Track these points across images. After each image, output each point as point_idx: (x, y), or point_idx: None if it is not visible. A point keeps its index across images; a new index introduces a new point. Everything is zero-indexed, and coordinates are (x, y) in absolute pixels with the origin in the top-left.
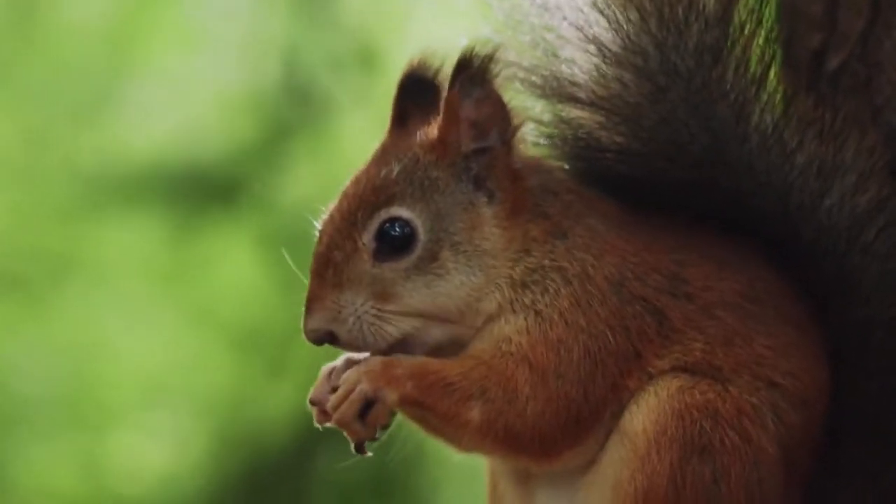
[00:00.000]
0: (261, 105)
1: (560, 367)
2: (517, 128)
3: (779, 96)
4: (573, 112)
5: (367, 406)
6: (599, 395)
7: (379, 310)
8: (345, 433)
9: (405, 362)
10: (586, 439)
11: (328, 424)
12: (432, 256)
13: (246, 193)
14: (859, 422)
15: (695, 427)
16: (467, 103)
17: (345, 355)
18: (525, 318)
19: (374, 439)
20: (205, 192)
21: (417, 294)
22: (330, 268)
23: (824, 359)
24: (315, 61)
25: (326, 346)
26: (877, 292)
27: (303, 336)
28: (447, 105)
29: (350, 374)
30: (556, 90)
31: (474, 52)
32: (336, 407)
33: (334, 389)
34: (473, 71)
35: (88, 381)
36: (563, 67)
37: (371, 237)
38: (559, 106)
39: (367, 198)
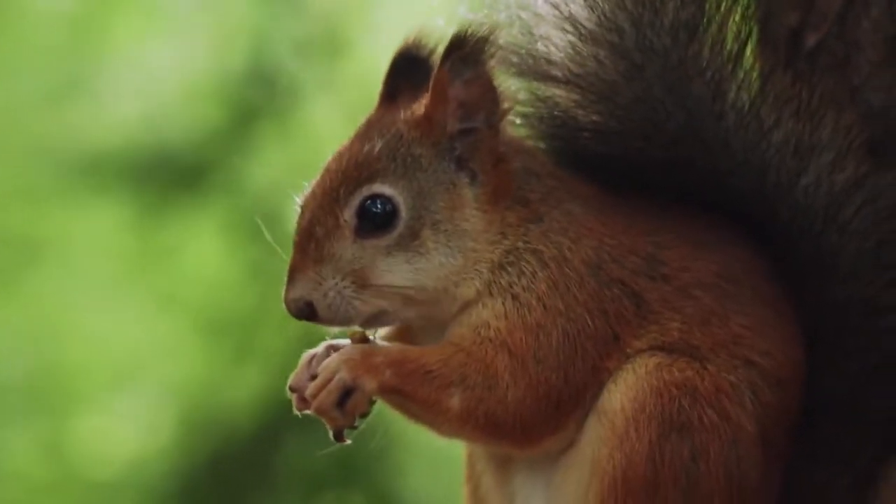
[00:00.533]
0: (228, 90)
1: (539, 351)
2: (505, 112)
3: (755, 74)
4: (549, 90)
5: (347, 394)
6: (579, 379)
7: (359, 285)
8: (323, 421)
9: (384, 350)
10: (568, 424)
11: (307, 412)
12: (413, 234)
13: (213, 178)
14: (836, 402)
15: (673, 404)
16: (457, 83)
17: (325, 342)
18: (503, 303)
19: (352, 427)
20: (172, 176)
21: (398, 271)
22: (312, 242)
23: (801, 338)
24: (282, 46)
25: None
26: (854, 271)
27: (282, 307)
28: (436, 83)
29: (329, 362)
30: (532, 68)
31: (469, 33)
32: (315, 395)
33: (314, 377)
34: (466, 51)
35: (54, 364)
36: (539, 45)
37: (353, 213)
38: (535, 84)
39: (349, 173)
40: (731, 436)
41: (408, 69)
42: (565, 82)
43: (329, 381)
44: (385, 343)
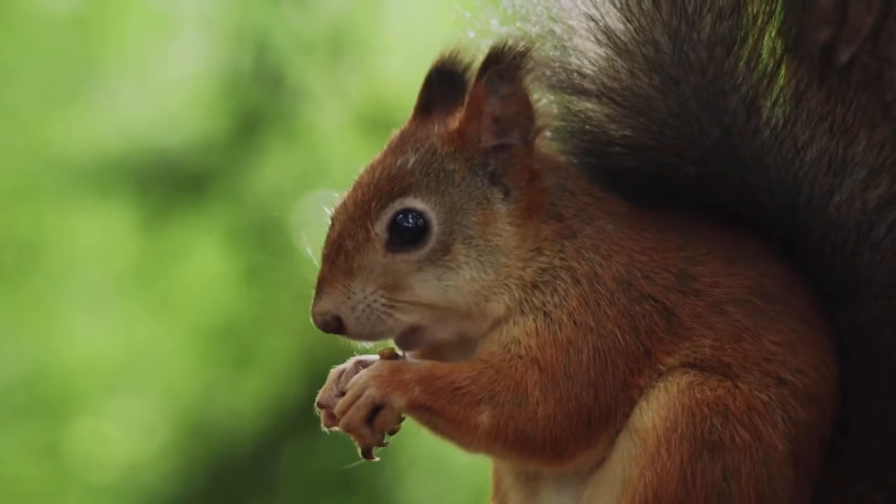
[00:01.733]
0: (233, 95)
1: (570, 368)
2: (541, 129)
3: (790, 90)
4: (582, 104)
5: (376, 411)
6: (610, 396)
7: (388, 300)
8: (352, 438)
9: (414, 367)
10: (599, 440)
11: (335, 428)
12: (444, 249)
13: (216, 184)
14: (867, 419)
15: (705, 424)
16: (493, 99)
17: (353, 358)
18: (534, 320)
19: (381, 444)
20: (175, 181)
21: (428, 286)
22: (341, 255)
23: (833, 355)
24: (288, 49)
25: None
26: (886, 290)
27: (310, 320)
28: (471, 98)
29: (358, 379)
30: (565, 81)
31: (507, 47)
32: (343, 412)
33: (342, 393)
34: (503, 67)
35: (54, 368)
36: (573, 58)
37: (384, 227)
38: (567, 97)
39: (381, 187)
40: (762, 455)
41: (443, 83)
42: (598, 96)
43: (358, 397)
44: (414, 360)
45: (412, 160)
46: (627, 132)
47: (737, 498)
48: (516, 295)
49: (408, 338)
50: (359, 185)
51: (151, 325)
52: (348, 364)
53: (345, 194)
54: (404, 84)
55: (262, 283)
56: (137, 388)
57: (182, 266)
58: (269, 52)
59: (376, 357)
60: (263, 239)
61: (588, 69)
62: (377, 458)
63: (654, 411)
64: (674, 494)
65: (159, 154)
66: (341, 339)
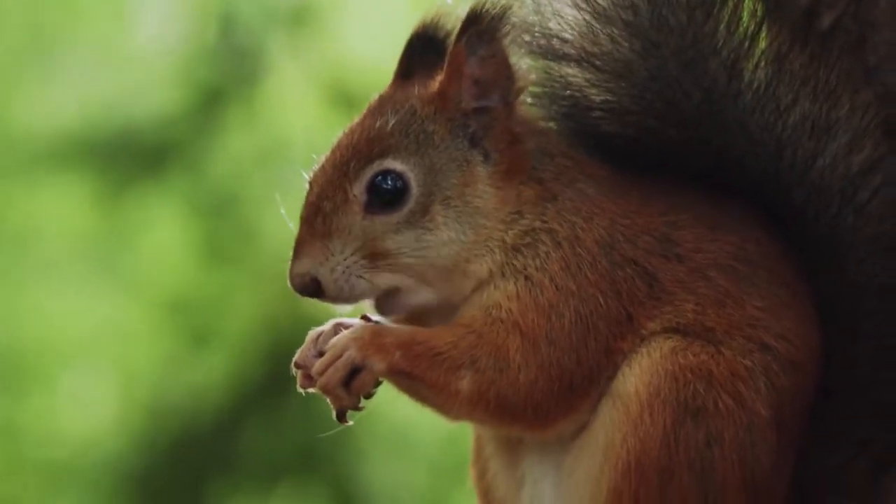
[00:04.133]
0: (193, 67)
1: (551, 333)
2: (520, 90)
3: (772, 53)
4: (562, 69)
5: (353, 373)
6: (593, 361)
7: (368, 261)
8: (328, 400)
9: (394, 330)
10: (581, 406)
11: (311, 390)
12: (423, 210)
13: (176, 159)
14: (851, 387)
15: (688, 389)
16: (472, 60)
17: (333, 320)
18: (515, 283)
19: (357, 408)
20: (135, 155)
21: (406, 248)
22: (319, 216)
23: (816, 321)
24: (249, 23)
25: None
26: (870, 254)
27: (288, 283)
28: (451, 59)
29: (338, 340)
30: (545, 46)
31: (485, 9)
32: (321, 372)
33: (320, 354)
34: (482, 27)
35: (9, 344)
36: (552, 23)
37: (363, 189)
38: (548, 63)
39: (360, 148)
40: (745, 421)
41: (423, 49)
42: (578, 61)
43: (337, 358)
44: (395, 325)
45: (392, 122)
46: (608, 97)
47: (720, 464)
48: (498, 258)
49: (386, 302)
50: (337, 147)
51: (111, 301)
52: (327, 326)
53: (323, 157)
54: (367, 59)
55: (223, 258)
56: (96, 364)
57: (142, 241)
58: (231, 25)
59: (356, 320)
60: (224, 213)
61: (568, 34)
62: (351, 422)
63: (637, 377)
64: (657, 460)
65: (119, 128)
66: (302, 314)
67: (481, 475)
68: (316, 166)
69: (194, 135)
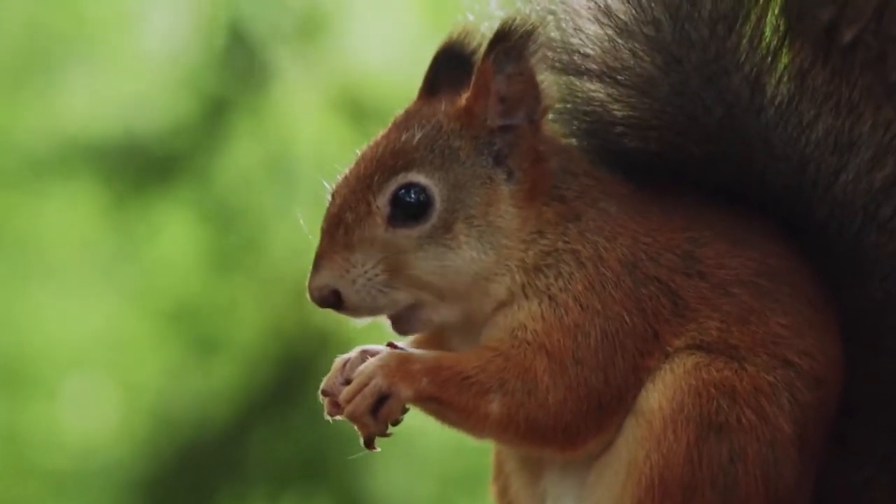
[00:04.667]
0: (202, 78)
1: (578, 352)
2: (546, 109)
3: (794, 68)
4: (584, 85)
5: (381, 400)
6: (621, 379)
7: (388, 275)
8: (355, 427)
9: (421, 357)
10: (610, 425)
11: (338, 417)
12: (446, 227)
13: (184, 168)
14: (874, 403)
15: (712, 404)
16: (500, 77)
17: (359, 347)
18: (539, 304)
19: (384, 435)
20: (142, 166)
21: (427, 264)
22: (341, 228)
23: (839, 337)
24: (257, 33)
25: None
26: (894, 271)
27: (307, 294)
28: (479, 76)
29: (365, 368)
30: (567, 63)
31: (514, 26)
32: (349, 400)
33: (347, 381)
34: (510, 45)
35: (17, 352)
36: (574, 39)
37: (386, 201)
38: (570, 79)
39: (385, 161)
40: (768, 437)
41: (449, 65)
42: (600, 76)
43: (364, 386)
44: (422, 351)
45: (417, 136)
46: (630, 112)
47: (743, 480)
48: (517, 278)
49: (403, 317)
50: (361, 159)
51: (117, 309)
52: (353, 353)
53: (346, 169)
54: (374, 69)
55: (230, 266)
56: (101, 372)
57: (149, 249)
58: (239, 34)
59: (383, 347)
60: (231, 222)
61: (590, 49)
62: (379, 449)
63: (660, 392)
64: (680, 476)
65: (126, 137)
66: (310, 323)
67: (503, 492)
68: (339, 178)
69: (202, 144)
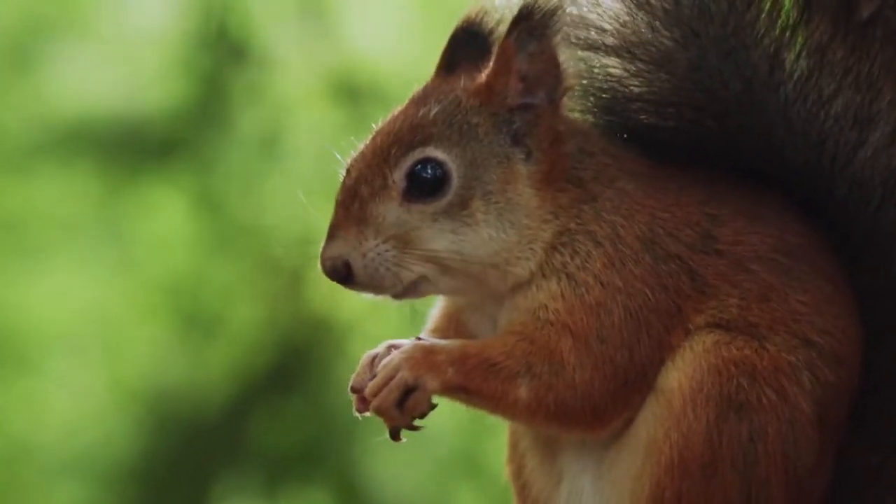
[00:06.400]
0: (197, 60)
1: (602, 330)
2: (567, 89)
3: (814, 43)
4: (601, 60)
5: (407, 393)
6: (645, 356)
7: (400, 251)
8: (382, 419)
9: (446, 347)
10: (635, 403)
11: (367, 413)
12: (462, 204)
13: (181, 150)
14: (892, 382)
15: (732, 383)
16: (521, 55)
17: (386, 342)
18: (557, 283)
19: (412, 428)
20: (138, 148)
21: (442, 240)
22: (356, 201)
23: (857, 316)
24: (255, 14)
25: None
26: None
27: (318, 266)
28: (500, 53)
29: (390, 361)
30: (585, 38)
31: (537, 5)
32: (375, 394)
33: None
34: (533, 23)
35: (14, 332)
36: (591, 14)
37: (402, 175)
38: (587, 54)
39: (402, 135)
40: (788, 416)
41: (468, 44)
42: (618, 51)
43: (390, 379)
44: (446, 341)
45: (435, 110)
46: (648, 88)
47: (763, 459)
48: (540, 257)
49: (411, 290)
50: (378, 133)
51: (112, 293)
52: (381, 348)
53: (362, 143)
54: (371, 51)
55: (226, 250)
56: (96, 356)
57: (145, 232)
58: (235, 17)
59: (408, 341)
60: (228, 206)
61: (608, 24)
62: (404, 440)
63: (680, 371)
64: (700, 455)
65: (122, 120)
66: (307, 310)
67: (518, 472)
68: (354, 152)
69: (197, 127)
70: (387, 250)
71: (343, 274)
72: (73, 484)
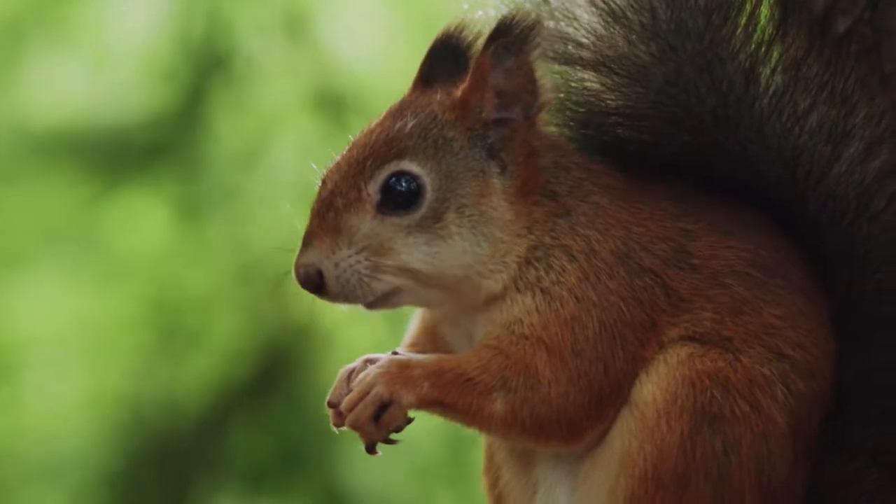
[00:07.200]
0: (180, 68)
1: (576, 344)
2: (543, 105)
3: (789, 58)
4: (578, 74)
5: (383, 408)
6: (620, 370)
7: (373, 263)
8: (358, 434)
9: (422, 361)
10: (608, 416)
11: (343, 428)
12: (436, 217)
13: (164, 158)
14: (865, 397)
15: (705, 395)
16: (498, 71)
17: (362, 357)
18: (532, 297)
19: (388, 442)
20: (121, 155)
21: (416, 252)
22: (331, 211)
23: (831, 329)
24: (239, 24)
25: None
26: (886, 263)
27: (292, 274)
28: (476, 68)
29: (365, 376)
30: (561, 52)
31: (515, 20)
32: (350, 409)
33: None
34: (510, 39)
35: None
36: (568, 28)
37: (377, 188)
38: (563, 68)
39: (377, 148)
40: (762, 429)
41: (446, 57)
42: (595, 65)
43: (365, 394)
44: (421, 355)
45: (411, 124)
46: (624, 102)
47: (736, 472)
48: (513, 272)
49: (384, 300)
50: (354, 145)
51: (93, 299)
52: (357, 363)
53: (339, 155)
54: (354, 61)
55: (209, 257)
56: (82, 364)
57: (126, 240)
58: (219, 24)
59: (385, 355)
60: (211, 214)
61: (584, 38)
62: (380, 453)
63: (654, 383)
64: (673, 468)
65: (105, 127)
66: (290, 317)
67: (493, 483)
68: (331, 163)
69: (180, 135)
70: (359, 261)
71: (316, 282)
72: (53, 491)
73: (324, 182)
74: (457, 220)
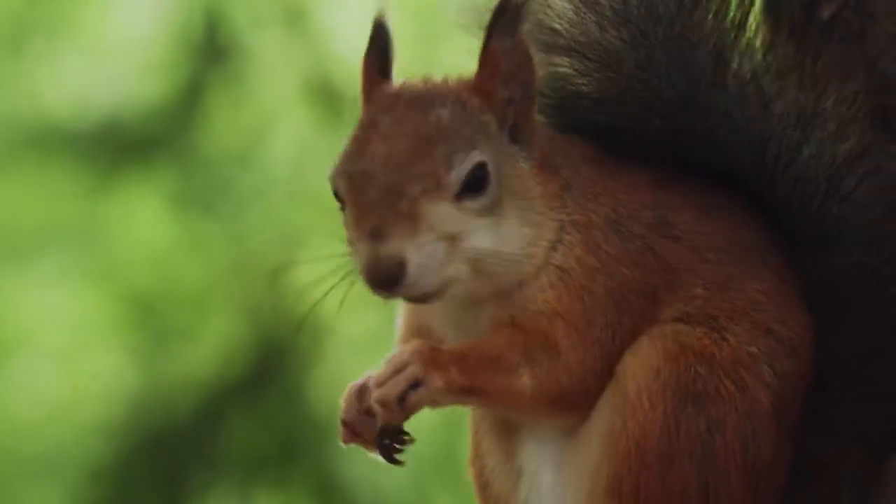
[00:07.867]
0: (178, 61)
1: (587, 312)
2: (539, 81)
3: (758, 43)
4: (552, 59)
5: (412, 388)
6: (623, 340)
7: (450, 248)
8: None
9: (446, 349)
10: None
11: (353, 444)
12: (498, 201)
13: (161, 151)
14: (844, 375)
15: (689, 372)
16: (503, 52)
17: (368, 372)
18: (546, 275)
19: (399, 431)
20: (118, 148)
21: (487, 238)
22: (403, 199)
23: (805, 310)
24: (236, 17)
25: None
26: (857, 242)
27: (363, 273)
28: (489, 52)
29: (401, 355)
30: (537, 38)
31: (508, 1)
32: (381, 383)
33: (366, 411)
34: (507, 20)
35: None
36: (541, 14)
37: (460, 177)
38: (539, 54)
39: (447, 136)
40: (747, 408)
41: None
42: (568, 51)
43: (398, 371)
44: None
45: (456, 113)
46: (596, 87)
47: (721, 451)
48: (544, 255)
49: (440, 290)
50: (396, 135)
51: (94, 294)
52: (365, 379)
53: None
54: (354, 56)
55: (206, 250)
56: (78, 357)
57: (123, 232)
58: (217, 17)
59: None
60: (208, 207)
61: (557, 23)
62: (403, 462)
63: (636, 356)
64: (657, 447)
65: (101, 120)
66: (286, 307)
67: (480, 472)
68: (363, 159)
69: (177, 128)
70: (437, 248)
71: (394, 277)
72: (48, 486)
73: (367, 176)
74: (512, 202)
